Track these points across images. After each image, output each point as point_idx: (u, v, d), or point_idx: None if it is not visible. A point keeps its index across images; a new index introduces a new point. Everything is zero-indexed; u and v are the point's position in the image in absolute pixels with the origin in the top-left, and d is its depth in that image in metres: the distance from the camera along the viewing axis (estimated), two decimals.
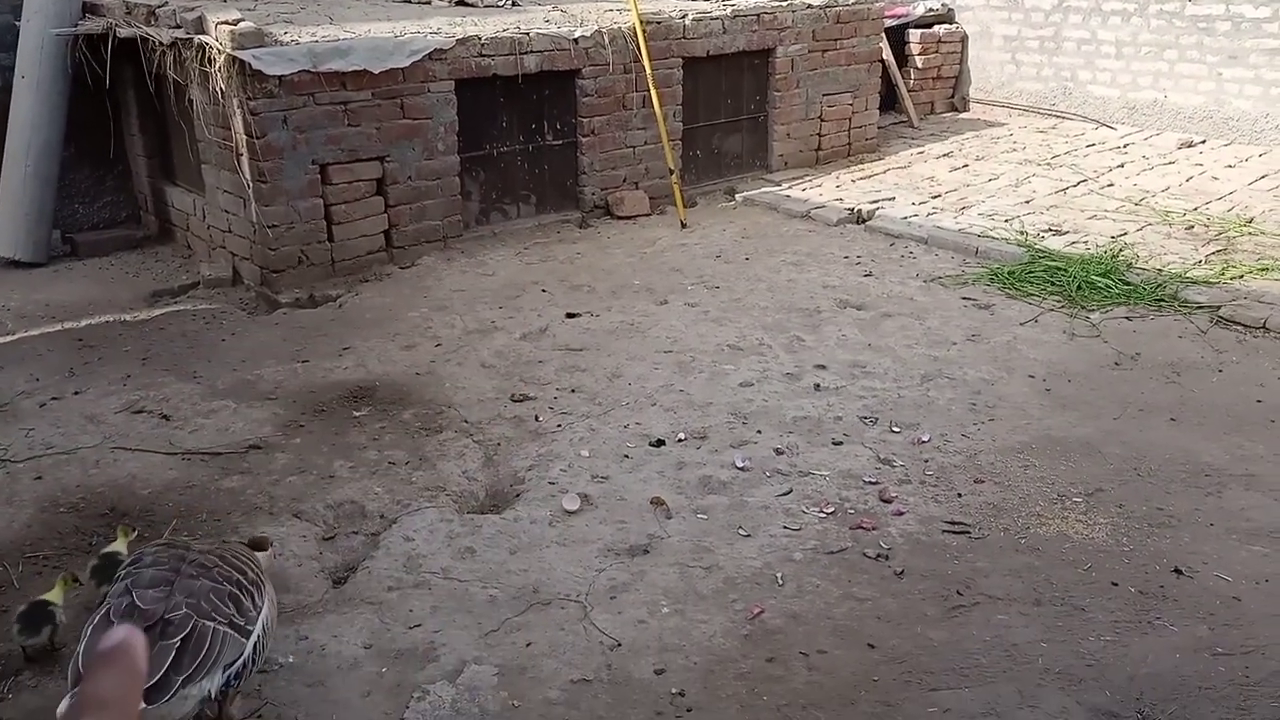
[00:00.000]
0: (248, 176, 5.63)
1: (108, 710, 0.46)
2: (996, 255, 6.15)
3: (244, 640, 2.46)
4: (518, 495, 3.84)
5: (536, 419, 4.35)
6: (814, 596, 3.14)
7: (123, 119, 6.88)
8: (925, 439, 4.07)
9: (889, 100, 9.62)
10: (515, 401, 4.53)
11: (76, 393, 4.60)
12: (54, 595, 2.95)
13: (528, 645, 2.95)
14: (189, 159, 6.34)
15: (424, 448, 4.13)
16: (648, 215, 7.24)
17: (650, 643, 2.95)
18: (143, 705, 2.09)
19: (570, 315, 5.49)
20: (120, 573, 2.59)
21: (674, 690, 2.75)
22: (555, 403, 4.51)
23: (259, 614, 2.53)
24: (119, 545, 3.16)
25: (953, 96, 10.63)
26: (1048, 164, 8.24)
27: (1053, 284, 5.66)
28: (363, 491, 3.79)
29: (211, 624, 2.38)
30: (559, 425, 4.30)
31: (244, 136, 5.58)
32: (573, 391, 4.62)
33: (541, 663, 2.88)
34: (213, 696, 2.44)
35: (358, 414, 4.43)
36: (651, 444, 4.10)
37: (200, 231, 6.39)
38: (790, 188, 7.69)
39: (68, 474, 3.91)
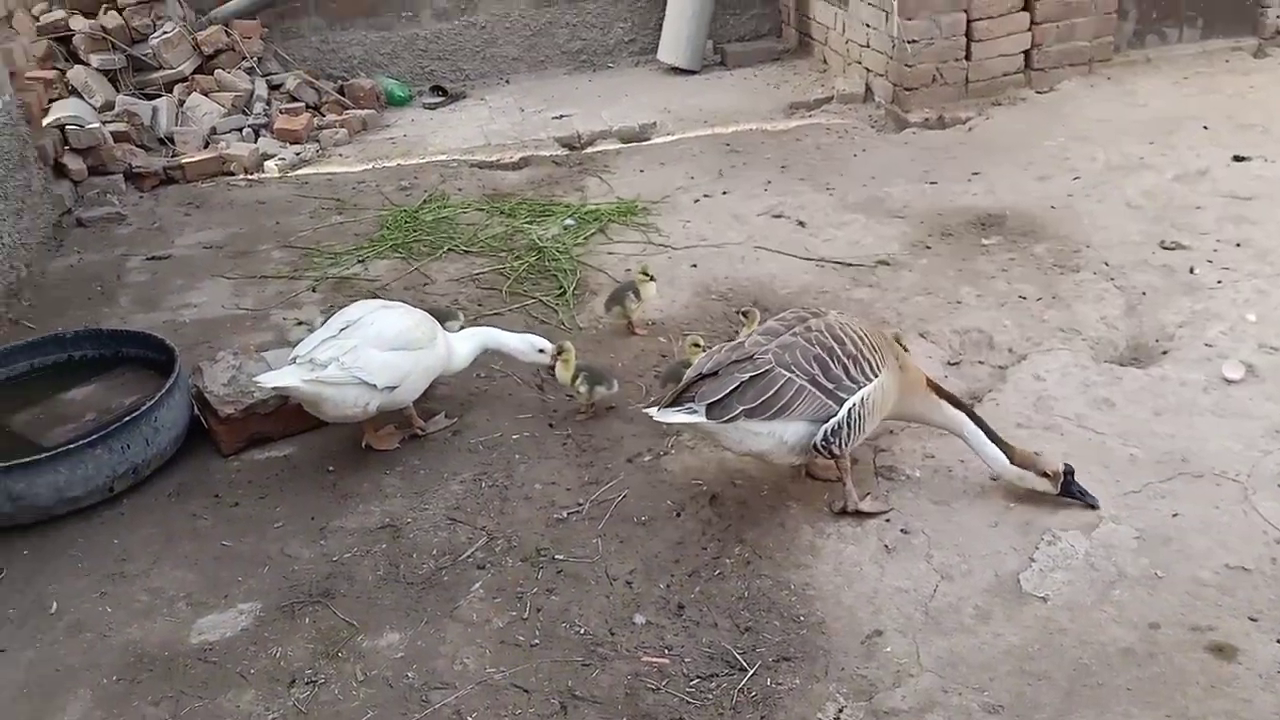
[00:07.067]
0: None
1: None
2: None
3: (830, 402, 2.65)
4: (1164, 352, 3.47)
5: (1191, 271, 3.86)
6: None
7: None
8: None
9: None
10: (1165, 249, 4.06)
11: (724, 193, 5.00)
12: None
13: (1174, 516, 2.69)
14: None
15: (1057, 286, 3.87)
16: None
17: None
18: (707, 420, 2.54)
19: (1238, 158, 4.75)
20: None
21: None
22: (1214, 256, 3.96)
23: (858, 386, 2.68)
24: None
25: None
26: None
27: None
28: (991, 322, 3.68)
29: (787, 374, 2.63)
30: (1219, 281, 3.78)
31: None
32: (1237, 245, 4.02)
33: (1190, 538, 2.61)
34: (817, 448, 2.67)
35: (986, 242, 4.27)
36: None
37: (837, 46, 6.46)
38: None
39: (717, 265, 4.29)
